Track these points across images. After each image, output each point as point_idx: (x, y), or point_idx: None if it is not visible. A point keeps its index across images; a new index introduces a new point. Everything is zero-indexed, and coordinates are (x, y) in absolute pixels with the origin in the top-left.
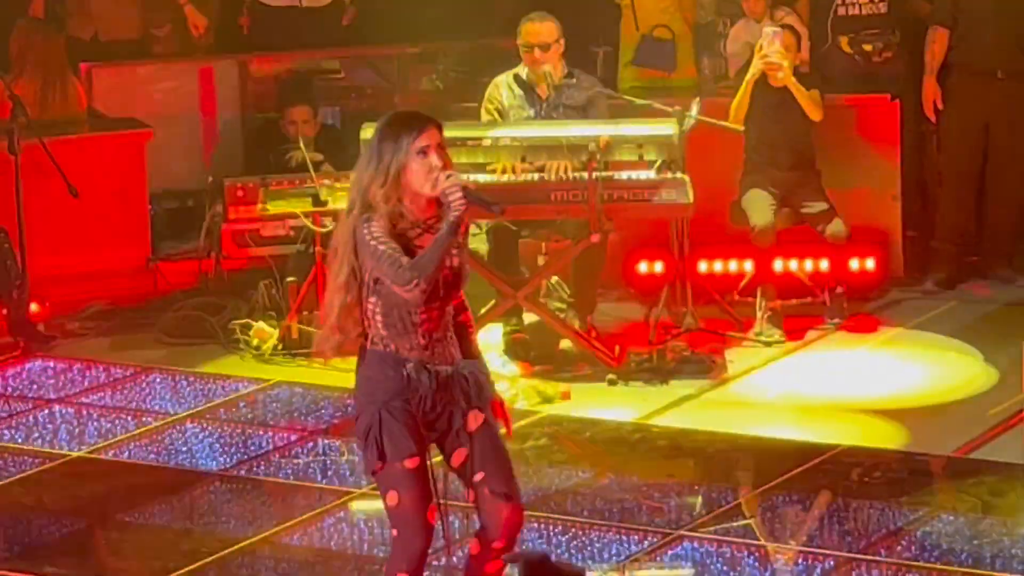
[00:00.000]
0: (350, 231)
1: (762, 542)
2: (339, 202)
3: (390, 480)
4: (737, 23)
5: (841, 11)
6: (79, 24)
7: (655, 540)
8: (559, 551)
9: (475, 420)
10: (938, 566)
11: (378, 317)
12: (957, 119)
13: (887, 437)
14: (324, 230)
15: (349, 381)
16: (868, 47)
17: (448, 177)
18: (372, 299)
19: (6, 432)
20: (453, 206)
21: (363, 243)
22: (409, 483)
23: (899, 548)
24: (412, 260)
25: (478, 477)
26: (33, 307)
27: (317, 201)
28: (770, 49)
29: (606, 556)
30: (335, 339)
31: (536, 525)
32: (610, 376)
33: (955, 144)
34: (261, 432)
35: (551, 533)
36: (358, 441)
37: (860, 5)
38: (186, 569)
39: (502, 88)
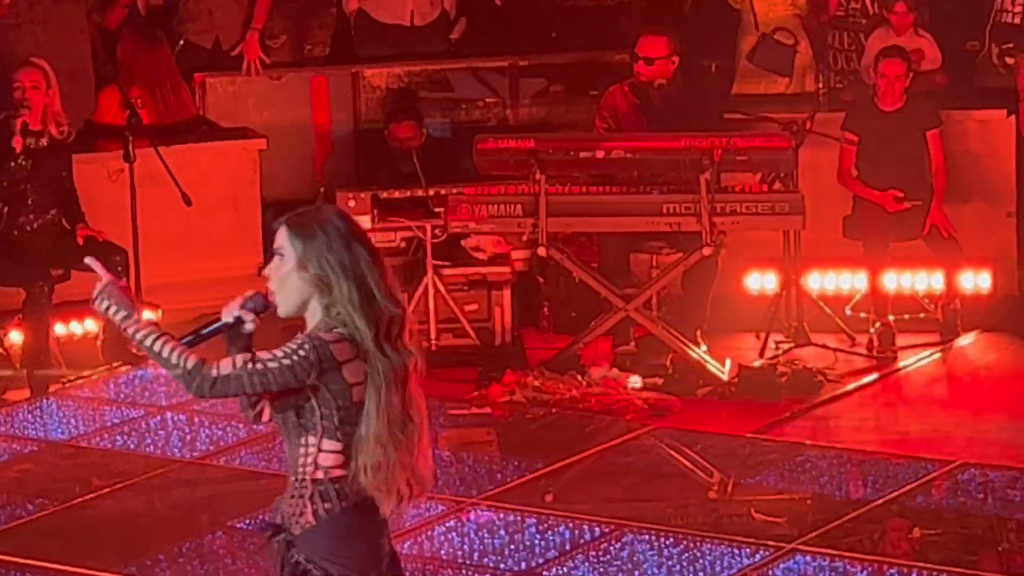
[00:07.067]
0: None
1: (875, 556)
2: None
3: None
4: (874, 32)
5: (1002, 17)
6: (200, 31)
7: (767, 553)
8: (671, 564)
9: None
10: None
11: None
12: None
13: (1002, 452)
14: (436, 240)
15: None
16: (1011, 60)
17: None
18: None
19: (119, 439)
20: None
21: None
22: None
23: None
24: None
25: None
26: (146, 315)
27: (428, 212)
28: None
29: (718, 569)
30: None
31: (647, 537)
32: (721, 390)
33: None
34: None
35: (662, 545)
36: None
37: (1013, 14)
38: None
39: (617, 97)
